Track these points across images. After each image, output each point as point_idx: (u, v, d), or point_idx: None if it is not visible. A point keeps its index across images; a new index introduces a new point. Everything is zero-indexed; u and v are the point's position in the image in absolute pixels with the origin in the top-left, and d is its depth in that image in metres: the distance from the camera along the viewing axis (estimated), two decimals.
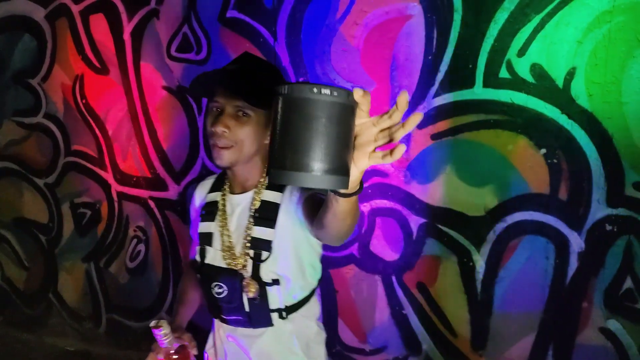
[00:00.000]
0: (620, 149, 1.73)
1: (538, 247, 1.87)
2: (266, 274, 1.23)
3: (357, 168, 0.76)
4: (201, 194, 1.42)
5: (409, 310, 2.11)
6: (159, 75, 2.43)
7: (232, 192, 1.32)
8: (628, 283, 1.76)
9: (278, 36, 2.15)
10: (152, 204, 2.58)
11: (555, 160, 1.82)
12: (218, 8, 2.24)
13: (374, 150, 0.74)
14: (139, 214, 2.63)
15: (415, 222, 2.04)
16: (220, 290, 1.23)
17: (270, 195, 1.25)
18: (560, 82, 1.78)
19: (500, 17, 1.82)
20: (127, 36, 2.45)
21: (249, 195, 1.28)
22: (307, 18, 2.08)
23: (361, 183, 0.84)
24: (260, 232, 1.23)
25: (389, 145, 0.73)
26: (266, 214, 1.24)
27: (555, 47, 1.77)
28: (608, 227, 1.77)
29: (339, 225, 0.98)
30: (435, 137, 1.97)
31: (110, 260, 2.76)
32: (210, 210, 1.33)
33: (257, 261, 1.22)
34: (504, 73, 1.84)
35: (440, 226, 2.00)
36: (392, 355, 2.18)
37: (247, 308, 1.24)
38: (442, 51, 1.92)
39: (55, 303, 2.98)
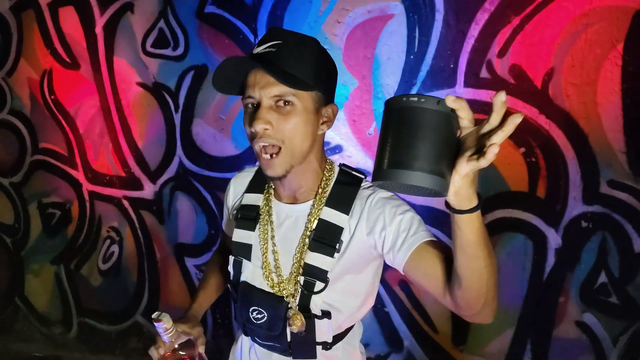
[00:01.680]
0: (595, 148, 1.79)
1: (517, 243, 1.91)
2: (317, 305, 1.04)
3: (458, 173, 0.73)
4: (236, 191, 1.21)
5: (390, 308, 2.12)
6: (133, 71, 2.35)
7: (279, 199, 1.11)
8: (602, 278, 1.82)
9: (258, 33, 2.11)
10: (126, 203, 2.50)
11: (533, 159, 1.86)
12: (196, 3, 2.19)
13: (472, 155, 0.72)
14: (113, 214, 2.54)
15: None
16: (260, 316, 1.06)
17: (332, 215, 1.03)
18: (539, 83, 1.82)
19: (481, 18, 1.84)
20: (99, 30, 2.37)
21: (303, 208, 1.07)
22: (289, 15, 2.06)
23: (480, 198, 0.80)
24: (316, 258, 1.02)
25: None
26: (325, 238, 1.02)
27: (534, 48, 1.81)
28: (584, 224, 1.83)
29: (472, 271, 0.84)
30: None
31: (82, 262, 2.66)
32: (249, 216, 1.12)
33: (308, 291, 1.03)
34: (484, 73, 1.87)
35: None
36: (374, 352, 2.18)
37: (288, 338, 1.07)
38: (424, 51, 1.93)
39: (22, 307, 2.86)
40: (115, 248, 2.57)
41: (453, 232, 0.85)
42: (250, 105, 0.99)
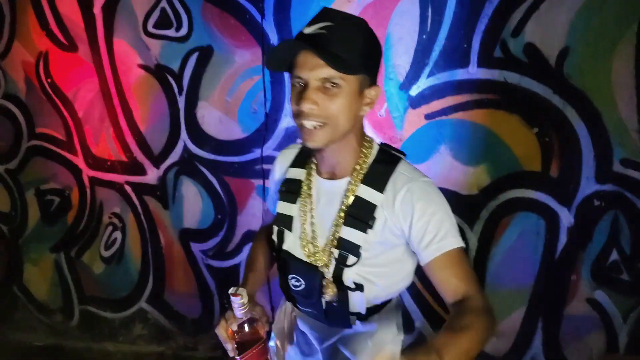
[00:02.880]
0: (609, 127, 1.79)
1: (529, 223, 1.92)
2: (349, 278, 1.08)
3: None
4: (282, 166, 1.25)
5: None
6: (134, 52, 2.28)
7: (319, 174, 1.15)
8: (614, 255, 1.85)
9: (266, 13, 2.06)
10: (128, 189, 2.45)
11: (547, 139, 1.86)
12: None
13: None
14: (115, 200, 2.49)
15: None
16: (298, 284, 1.13)
17: (367, 193, 1.07)
18: (553, 62, 1.81)
19: None
20: (97, 10, 2.28)
21: (340, 184, 1.10)
22: None
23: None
24: (350, 233, 1.07)
25: None
26: (359, 214, 1.06)
27: (549, 27, 1.80)
28: (596, 203, 1.84)
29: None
30: (429, 116, 1.97)
31: (83, 250, 2.61)
32: (291, 189, 1.18)
33: (341, 264, 1.08)
34: (498, 53, 1.86)
35: None
36: None
37: (324, 307, 1.12)
38: (437, 30, 1.91)
39: (21, 296, 2.79)
40: (117, 234, 2.52)
41: None
42: (297, 85, 1.02)
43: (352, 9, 1.95)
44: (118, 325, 2.65)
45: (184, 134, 2.29)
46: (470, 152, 1.94)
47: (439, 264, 1.04)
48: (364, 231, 1.06)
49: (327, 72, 0.97)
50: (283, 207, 1.18)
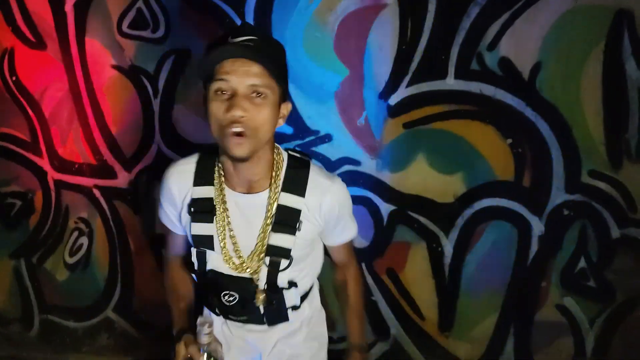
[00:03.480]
0: (578, 139, 1.88)
1: (503, 231, 1.98)
2: (283, 280, 1.18)
3: None
4: (181, 186, 1.21)
5: (378, 297, 2.14)
6: (107, 52, 2.21)
7: (233, 189, 1.17)
8: (582, 263, 1.93)
9: (246, 17, 2.05)
10: (97, 193, 2.36)
11: (520, 150, 1.93)
12: None
13: None
14: (82, 204, 2.39)
15: (386, 209, 2.07)
16: (232, 299, 1.17)
17: (290, 200, 1.14)
18: (526, 76, 1.88)
19: (473, 11, 1.88)
20: (69, 8, 2.20)
21: (260, 197, 1.15)
22: (279, 0, 2.00)
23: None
24: (279, 239, 1.14)
25: None
26: (285, 220, 1.14)
27: (523, 42, 1.87)
28: (565, 212, 1.92)
29: None
30: (407, 125, 2.00)
31: (46, 256, 2.49)
32: (204, 209, 1.16)
33: (274, 269, 1.16)
34: (474, 65, 1.92)
35: (410, 213, 2.05)
36: None
37: (262, 311, 1.21)
38: (416, 42, 1.94)
39: None
40: (84, 240, 2.42)
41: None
42: (220, 92, 1.03)
43: (334, 18, 1.96)
44: (82, 335, 2.54)
45: (157, 137, 2.23)
46: (446, 161, 1.99)
47: (342, 245, 1.34)
48: (292, 234, 1.14)
49: (258, 79, 1.01)
50: (199, 228, 1.18)
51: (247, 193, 1.16)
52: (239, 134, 1.02)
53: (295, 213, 1.14)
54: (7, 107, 2.36)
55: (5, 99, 2.35)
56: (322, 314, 1.42)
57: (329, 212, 1.18)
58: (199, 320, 1.06)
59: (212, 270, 1.18)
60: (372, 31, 1.96)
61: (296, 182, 1.15)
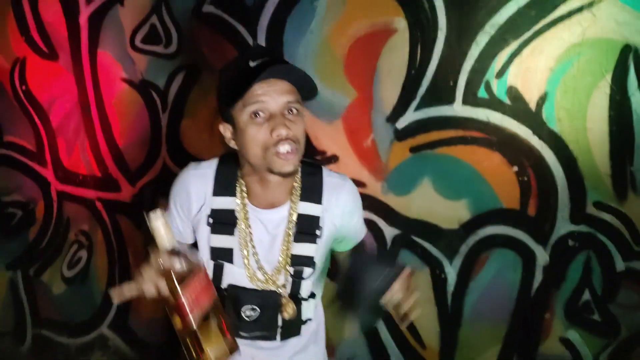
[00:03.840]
0: (584, 170, 1.87)
1: (507, 260, 1.96)
2: (306, 290, 1.18)
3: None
4: (199, 190, 1.18)
5: (379, 324, 2.10)
6: (118, 66, 2.24)
7: (256, 206, 1.17)
8: (586, 295, 1.90)
9: (258, 37, 2.08)
10: (100, 205, 2.35)
11: (525, 178, 1.92)
12: (194, 2, 2.12)
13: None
14: (83, 216, 2.38)
15: (390, 233, 2.05)
16: (253, 313, 1.14)
17: (309, 208, 1.17)
18: (533, 106, 1.89)
19: (482, 40, 1.91)
20: (83, 21, 2.24)
21: (282, 211, 1.17)
22: (291, 21, 2.04)
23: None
24: (302, 248, 1.15)
25: None
26: (306, 229, 1.15)
27: (530, 72, 1.89)
28: (570, 243, 1.90)
29: None
30: (414, 149, 2.00)
31: (43, 268, 2.46)
32: (225, 221, 1.16)
33: (298, 278, 1.16)
34: (482, 92, 1.93)
35: (414, 238, 2.03)
36: None
37: (280, 324, 1.18)
38: (425, 67, 1.97)
39: None
40: (83, 253, 2.40)
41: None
42: (255, 115, 1.05)
43: (344, 41, 2.00)
44: (74, 351, 2.48)
45: (164, 151, 2.24)
46: (452, 187, 1.98)
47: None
48: (314, 242, 1.16)
49: (290, 96, 1.06)
50: (219, 241, 1.16)
51: (270, 209, 1.17)
52: (289, 152, 1.06)
53: (315, 220, 1.16)
54: (15, 115, 2.38)
55: (13, 108, 2.37)
56: (323, 327, 1.39)
57: (343, 208, 1.20)
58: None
59: (232, 285, 1.17)
60: (381, 55, 1.99)
61: (312, 190, 1.18)
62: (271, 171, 1.09)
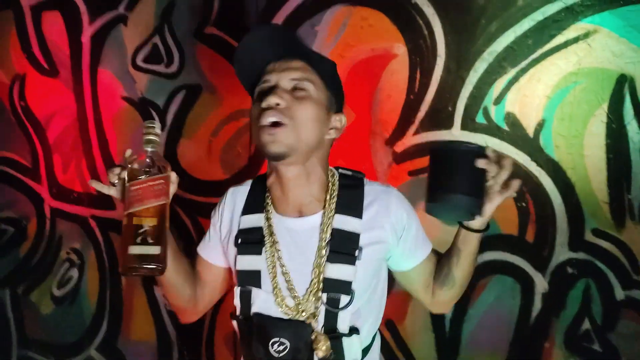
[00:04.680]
0: (581, 197, 1.88)
1: (506, 286, 1.94)
2: (344, 322, 0.97)
3: (492, 203, 1.00)
4: (231, 210, 1.09)
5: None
6: (119, 84, 2.24)
7: (282, 213, 1.04)
8: (586, 324, 1.87)
9: None
10: (93, 223, 2.31)
11: (524, 204, 1.92)
12: (196, 23, 2.14)
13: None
14: (76, 234, 2.34)
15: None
16: (282, 348, 0.96)
17: (345, 222, 1.00)
18: (530, 132, 1.91)
19: (480, 67, 1.93)
20: (86, 39, 2.26)
21: (313, 220, 1.02)
22: None
23: (488, 225, 1.04)
24: (336, 270, 0.97)
25: None
26: (343, 247, 0.98)
27: (527, 99, 1.91)
28: (569, 270, 1.89)
29: (468, 273, 1.13)
30: (412, 173, 2.00)
31: (32, 287, 2.41)
32: (252, 240, 1.03)
33: (333, 308, 0.97)
34: (480, 118, 1.95)
35: None
36: None
37: None
38: (424, 92, 1.99)
39: None
40: (74, 272, 2.35)
41: (460, 245, 1.09)
42: (262, 94, 0.99)
43: (345, 65, 2.01)
44: None
45: None
46: None
47: (424, 261, 1.18)
48: (352, 263, 0.98)
49: (298, 73, 0.98)
50: (246, 262, 1.04)
51: (297, 217, 1.03)
52: (274, 124, 0.93)
53: (354, 237, 0.99)
54: (12, 131, 2.37)
55: (10, 124, 2.36)
56: None
57: (397, 219, 1.05)
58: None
59: (258, 314, 1.01)
60: (381, 79, 2.01)
61: (351, 202, 1.02)
62: (266, 156, 0.99)
